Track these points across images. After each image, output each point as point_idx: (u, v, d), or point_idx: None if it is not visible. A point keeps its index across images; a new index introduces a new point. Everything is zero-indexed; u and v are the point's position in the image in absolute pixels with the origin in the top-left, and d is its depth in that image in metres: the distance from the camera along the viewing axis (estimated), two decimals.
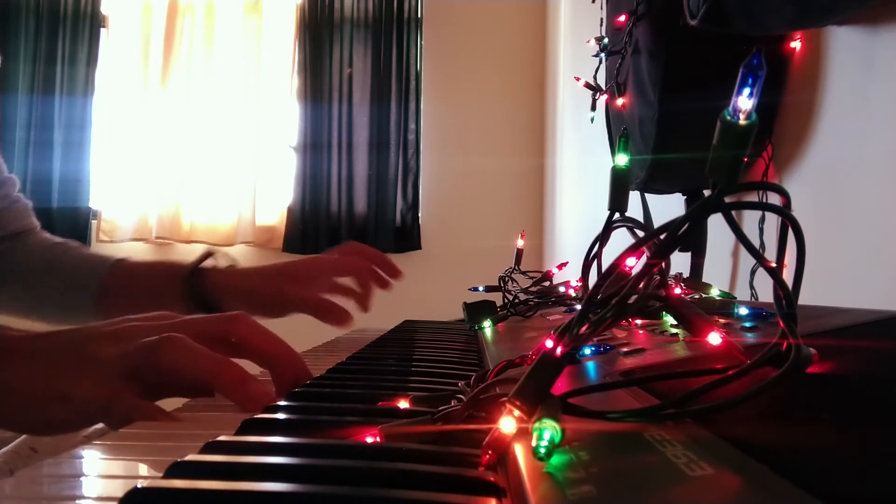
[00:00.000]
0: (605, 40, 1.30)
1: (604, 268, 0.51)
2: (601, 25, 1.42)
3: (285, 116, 3.42)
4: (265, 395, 0.45)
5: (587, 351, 0.44)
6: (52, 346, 0.47)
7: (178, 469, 0.28)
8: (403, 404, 0.39)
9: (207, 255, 0.87)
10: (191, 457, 0.29)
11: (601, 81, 1.37)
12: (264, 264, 0.91)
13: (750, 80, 0.28)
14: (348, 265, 0.90)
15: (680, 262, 1.05)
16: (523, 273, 1.00)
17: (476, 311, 0.87)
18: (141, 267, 0.92)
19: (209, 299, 0.83)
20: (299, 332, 0.97)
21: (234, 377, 0.44)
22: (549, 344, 0.29)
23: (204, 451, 0.31)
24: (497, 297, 0.93)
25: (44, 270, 0.90)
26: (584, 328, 0.30)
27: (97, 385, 0.44)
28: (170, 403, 0.46)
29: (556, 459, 0.25)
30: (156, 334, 0.46)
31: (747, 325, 0.44)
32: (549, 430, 0.25)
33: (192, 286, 0.82)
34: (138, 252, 3.37)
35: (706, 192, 0.31)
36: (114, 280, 0.88)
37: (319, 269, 0.89)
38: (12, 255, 0.91)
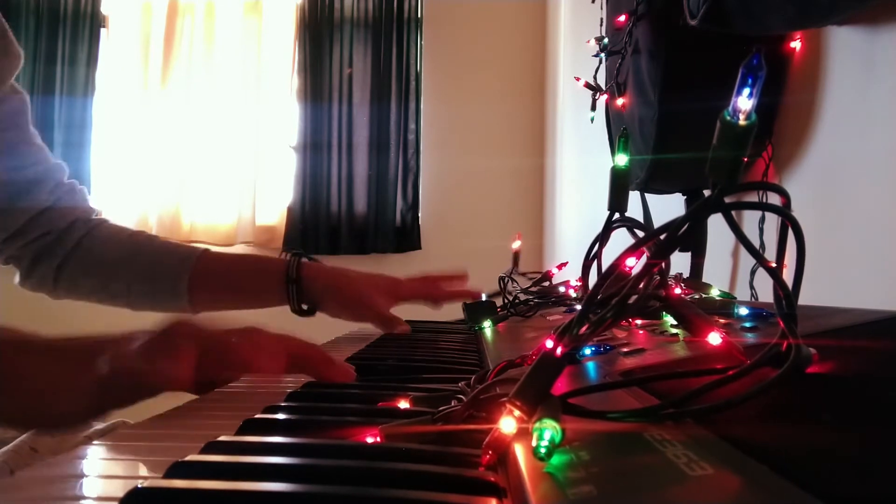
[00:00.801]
0: (605, 40, 1.30)
1: (604, 268, 0.51)
2: (601, 25, 1.42)
3: (285, 116, 3.42)
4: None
5: (587, 351, 0.44)
6: (67, 345, 0.48)
7: (179, 469, 0.28)
8: (403, 404, 0.39)
9: (299, 252, 0.92)
10: (191, 457, 0.29)
11: (601, 81, 1.37)
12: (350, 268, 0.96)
13: (750, 81, 0.28)
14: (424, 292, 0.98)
15: (680, 262, 1.05)
16: (522, 275, 1.00)
17: (476, 311, 0.87)
18: (231, 257, 0.96)
19: (309, 295, 0.88)
20: (299, 333, 0.97)
21: (252, 353, 0.47)
22: (549, 344, 0.29)
23: (204, 451, 0.31)
24: (497, 298, 0.93)
25: (130, 257, 0.92)
26: (584, 328, 0.30)
27: (105, 364, 0.45)
28: (170, 403, 0.46)
29: (556, 459, 0.25)
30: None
31: (747, 325, 0.44)
32: (549, 430, 0.25)
33: (296, 282, 0.87)
34: None
35: (706, 192, 0.31)
36: (207, 267, 0.90)
37: (401, 292, 0.97)
38: (93, 242, 0.93)
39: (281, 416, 0.40)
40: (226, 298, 0.92)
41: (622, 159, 0.54)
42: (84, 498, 0.29)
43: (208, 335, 0.48)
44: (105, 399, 0.45)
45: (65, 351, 0.47)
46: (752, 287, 1.01)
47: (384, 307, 0.91)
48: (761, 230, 0.96)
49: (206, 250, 0.93)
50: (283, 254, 0.91)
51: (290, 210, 3.37)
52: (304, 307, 0.89)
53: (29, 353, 0.47)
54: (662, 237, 0.30)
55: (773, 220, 0.96)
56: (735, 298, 0.69)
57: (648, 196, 1.26)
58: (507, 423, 0.28)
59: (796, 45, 0.95)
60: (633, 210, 0.60)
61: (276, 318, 0.83)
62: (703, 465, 0.22)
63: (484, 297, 0.98)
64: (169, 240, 0.97)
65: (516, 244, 1.04)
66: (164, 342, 0.47)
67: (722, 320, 0.45)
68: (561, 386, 0.29)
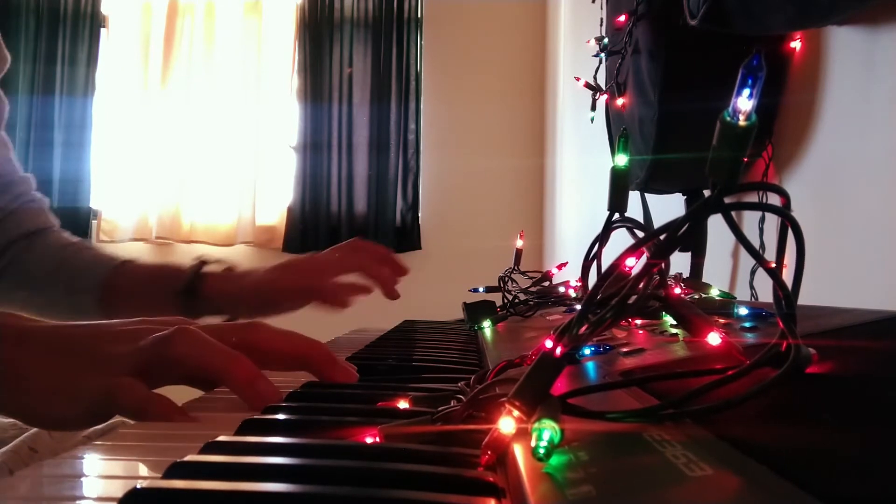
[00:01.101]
0: (605, 40, 1.30)
1: (603, 268, 0.51)
2: (601, 25, 1.42)
3: (285, 116, 3.42)
4: (273, 393, 0.45)
5: (587, 351, 0.44)
6: (68, 339, 0.47)
7: (178, 469, 0.28)
8: (403, 404, 0.39)
9: (202, 263, 0.87)
10: (190, 457, 0.29)
11: (601, 81, 1.37)
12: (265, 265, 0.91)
13: (750, 81, 0.28)
14: (353, 262, 0.90)
15: (680, 262, 1.05)
16: (523, 273, 1.00)
17: (476, 311, 0.87)
18: (144, 270, 0.92)
19: (209, 307, 0.85)
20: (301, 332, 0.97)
21: (244, 372, 0.44)
22: (549, 344, 0.29)
23: (204, 451, 0.31)
24: (497, 298, 0.93)
25: (54, 271, 0.91)
26: (583, 328, 0.30)
27: (103, 378, 0.44)
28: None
29: (555, 460, 0.25)
30: (166, 330, 0.46)
31: (747, 325, 0.44)
32: (548, 430, 0.25)
33: (191, 296, 0.84)
34: (138, 252, 3.37)
35: (706, 192, 0.31)
36: (116, 282, 0.89)
37: (324, 264, 0.89)
38: (28, 255, 0.92)
39: (281, 416, 0.40)
40: (131, 311, 0.89)
41: (622, 159, 0.54)
42: (83, 498, 0.29)
43: (207, 342, 0.47)
44: (103, 410, 0.44)
45: (65, 346, 0.46)
46: (752, 287, 1.01)
47: (310, 282, 0.86)
48: (761, 230, 0.96)
49: (127, 261, 0.92)
50: (277, 250, 0.89)
51: (290, 210, 3.37)
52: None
53: (30, 347, 0.46)
54: (662, 237, 0.30)
55: (773, 221, 0.96)
56: (735, 298, 0.69)
57: (648, 196, 1.26)
58: (507, 424, 0.28)
59: (796, 45, 0.95)
60: (633, 210, 0.60)
61: (285, 323, 0.82)
62: (703, 465, 0.22)
63: (480, 289, 0.97)
64: (101, 252, 0.95)
65: (519, 242, 1.04)
66: (162, 362, 0.45)
67: (722, 320, 0.45)
68: (560, 386, 0.29)
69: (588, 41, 1.42)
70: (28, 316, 0.50)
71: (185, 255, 3.38)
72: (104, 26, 3.42)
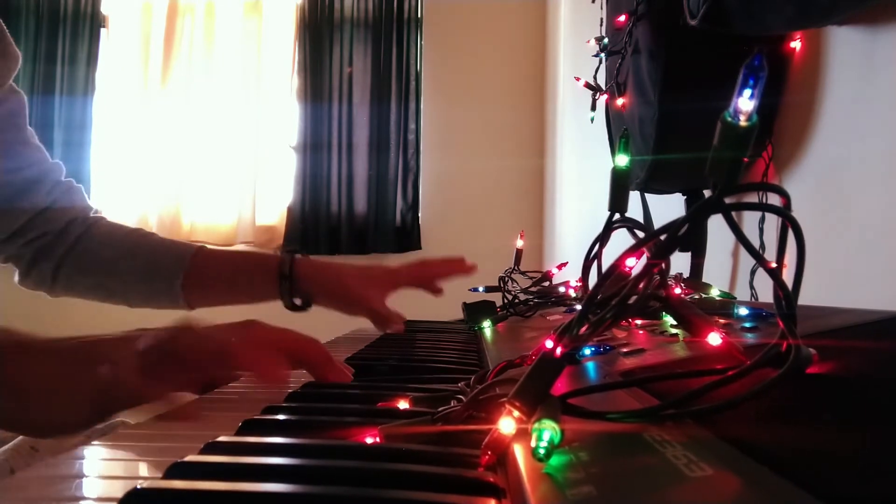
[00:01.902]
0: (605, 40, 1.30)
1: (604, 268, 0.51)
2: (601, 25, 1.42)
3: (285, 116, 3.42)
4: (285, 377, 0.46)
5: (587, 351, 0.44)
6: (63, 348, 0.47)
7: (178, 469, 0.28)
8: (403, 404, 0.39)
9: (294, 249, 0.92)
10: (190, 457, 0.29)
11: (601, 81, 1.37)
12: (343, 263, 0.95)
13: (751, 82, 0.28)
14: (420, 276, 0.94)
15: (680, 262, 1.05)
16: (523, 273, 1.00)
17: (476, 311, 0.87)
18: (227, 255, 0.96)
19: (302, 290, 0.88)
20: (300, 330, 0.97)
21: (252, 355, 0.46)
22: (549, 344, 0.29)
23: (204, 451, 0.31)
24: (497, 298, 0.93)
25: (127, 256, 0.92)
26: (583, 328, 0.30)
27: (107, 371, 0.44)
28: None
29: (555, 460, 0.25)
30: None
31: (747, 325, 0.44)
32: (548, 430, 0.25)
33: (290, 278, 0.87)
34: None
35: (706, 193, 0.31)
36: (201, 266, 0.91)
37: (397, 276, 0.94)
38: (91, 241, 0.93)
39: (280, 416, 0.40)
40: (220, 295, 0.92)
41: (622, 160, 0.54)
42: (84, 498, 0.29)
43: (208, 338, 0.47)
44: (105, 406, 0.45)
45: (65, 354, 0.47)
46: (752, 287, 1.01)
47: (376, 300, 0.90)
48: (761, 230, 0.96)
49: (202, 247, 0.94)
50: (276, 250, 0.91)
51: (290, 210, 3.37)
52: (298, 303, 0.90)
53: (29, 356, 0.46)
54: (662, 238, 0.30)
55: (773, 221, 0.96)
56: (735, 298, 0.69)
57: (648, 196, 1.26)
58: (507, 424, 0.28)
59: (796, 45, 0.95)
60: (634, 210, 0.60)
61: (273, 313, 0.83)
62: (703, 465, 0.22)
63: (480, 289, 0.98)
64: (165, 238, 0.97)
65: (519, 242, 1.04)
66: (167, 356, 0.46)
67: (722, 320, 0.45)
68: (560, 386, 0.29)
69: (588, 41, 1.42)
70: (21, 325, 0.51)
71: None
72: (104, 26, 3.42)
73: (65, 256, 0.91)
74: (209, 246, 0.95)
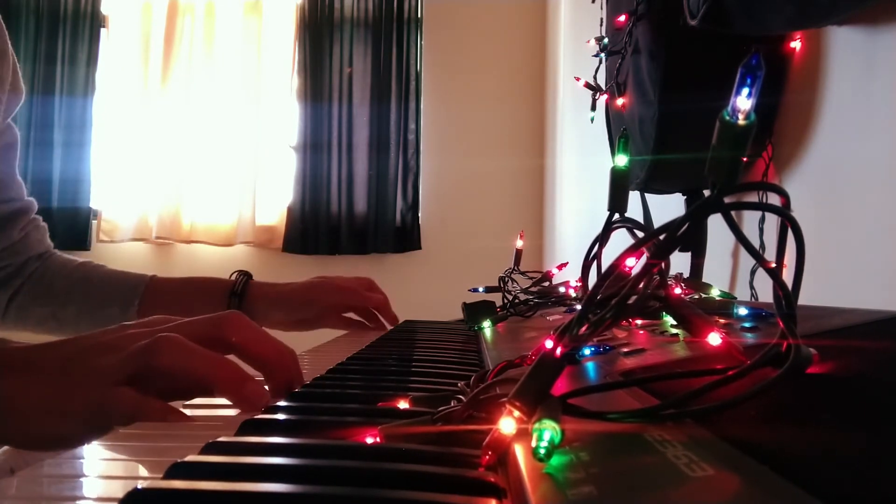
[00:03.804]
0: (605, 40, 1.30)
1: (603, 268, 0.51)
2: (601, 25, 1.42)
3: (285, 116, 3.42)
4: (262, 395, 0.44)
5: (587, 351, 0.44)
6: (48, 358, 0.46)
7: (178, 470, 0.28)
8: (403, 404, 0.39)
9: (244, 273, 0.96)
10: (191, 457, 0.29)
11: (601, 81, 1.37)
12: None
13: (749, 81, 0.28)
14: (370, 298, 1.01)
15: (680, 262, 1.05)
16: (523, 273, 1.00)
17: (476, 311, 0.87)
18: (178, 281, 0.98)
19: (252, 311, 0.91)
20: (301, 333, 0.98)
21: (231, 377, 0.44)
22: (549, 344, 0.29)
23: (204, 451, 0.31)
24: (497, 298, 0.93)
25: (81, 283, 0.95)
26: (583, 328, 0.30)
27: (93, 391, 0.43)
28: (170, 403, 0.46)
29: (556, 460, 0.25)
30: (147, 339, 0.45)
31: (747, 325, 0.44)
32: (548, 430, 0.25)
33: (239, 294, 0.91)
34: (138, 252, 3.37)
35: (706, 192, 0.31)
36: (156, 290, 0.94)
37: (353, 286, 1.00)
38: (43, 275, 0.96)
39: (281, 416, 0.40)
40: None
41: (622, 160, 0.54)
42: (84, 498, 0.29)
43: (192, 343, 0.46)
44: (101, 419, 0.44)
45: (54, 363, 0.45)
46: (752, 287, 1.01)
47: (331, 299, 0.95)
48: (761, 230, 0.96)
49: (154, 276, 0.97)
50: (232, 275, 0.95)
51: (290, 210, 3.37)
52: None
53: (16, 371, 0.45)
54: (662, 237, 0.30)
55: (773, 221, 0.96)
56: (735, 298, 0.69)
57: (648, 196, 1.26)
58: (507, 424, 0.28)
59: (796, 45, 0.95)
60: (633, 210, 0.60)
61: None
62: (704, 465, 0.22)
63: (480, 289, 1.00)
64: (115, 269, 1.00)
65: (519, 242, 1.04)
66: (152, 366, 0.45)
67: (722, 320, 0.45)
68: (561, 386, 0.29)
69: (588, 41, 1.42)
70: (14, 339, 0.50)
71: (185, 256, 3.38)
72: (104, 26, 3.42)
73: (21, 286, 0.95)
74: (161, 276, 0.98)
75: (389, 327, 1.01)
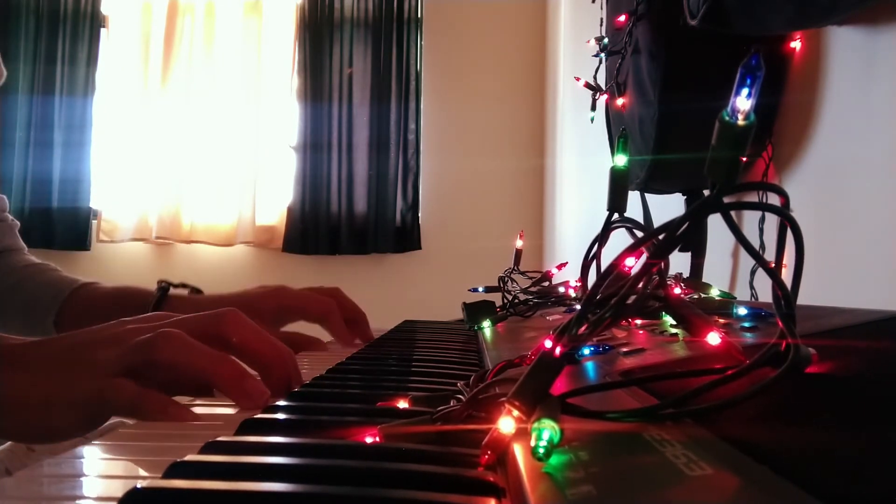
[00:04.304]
0: (605, 40, 1.30)
1: (603, 268, 0.51)
2: (601, 25, 1.42)
3: (285, 116, 3.42)
4: (262, 393, 0.44)
5: (586, 351, 0.44)
6: (48, 352, 0.46)
7: (178, 469, 0.28)
8: (403, 404, 0.39)
9: (169, 286, 0.86)
10: (190, 457, 0.29)
11: (601, 81, 1.37)
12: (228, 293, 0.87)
13: (748, 81, 0.28)
14: (319, 306, 0.83)
15: (680, 262, 1.05)
16: (523, 273, 1.00)
17: (475, 311, 0.87)
18: (106, 292, 0.91)
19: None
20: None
21: (231, 373, 0.44)
22: (548, 344, 0.29)
23: (204, 451, 0.31)
24: (497, 298, 0.93)
25: (10, 291, 0.90)
26: (582, 328, 0.30)
27: (92, 382, 0.43)
28: None
29: (555, 459, 0.25)
30: (147, 333, 0.45)
31: (746, 325, 0.44)
32: (548, 430, 0.25)
33: (157, 307, 0.81)
34: (138, 252, 3.37)
35: (706, 192, 0.31)
36: (76, 302, 0.88)
37: (310, 299, 0.84)
38: None
39: (280, 415, 0.40)
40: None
41: (621, 159, 0.54)
42: (83, 498, 0.29)
43: (192, 339, 0.46)
44: (100, 409, 0.44)
45: (54, 355, 0.46)
46: (752, 287, 1.01)
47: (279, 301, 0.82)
48: (761, 230, 0.96)
49: (87, 284, 0.90)
50: (158, 284, 0.87)
51: (290, 210, 3.37)
52: None
53: (15, 364, 0.45)
54: (661, 237, 0.30)
55: (773, 221, 0.96)
56: (735, 298, 0.69)
57: (648, 196, 1.26)
58: (506, 423, 0.28)
59: (796, 45, 0.95)
60: (633, 210, 0.60)
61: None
62: (703, 465, 0.22)
63: (480, 289, 0.96)
64: (62, 274, 0.94)
65: (519, 242, 1.04)
66: (152, 360, 0.44)
67: (721, 320, 0.45)
68: (560, 386, 0.29)
69: (588, 41, 1.42)
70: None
71: (185, 256, 3.38)
72: (104, 26, 3.42)
73: None
74: (100, 284, 0.91)
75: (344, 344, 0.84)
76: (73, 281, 0.91)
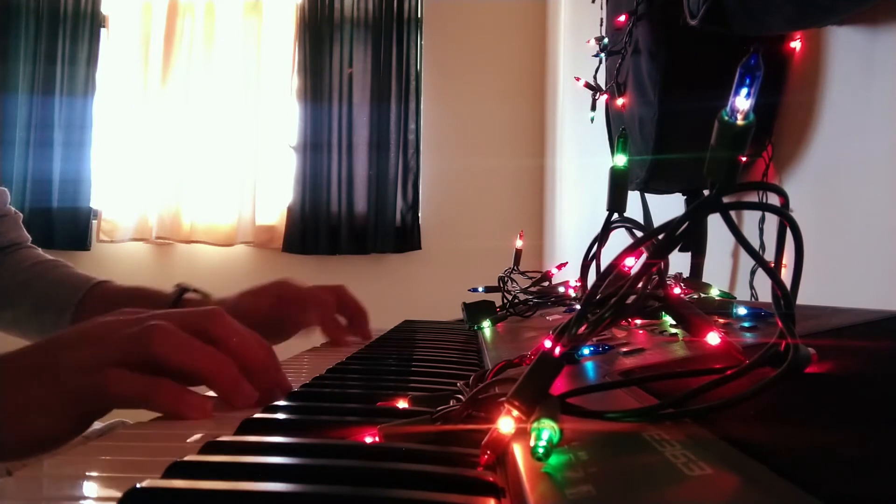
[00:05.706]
0: (605, 40, 1.30)
1: (603, 268, 0.51)
2: (601, 25, 1.42)
3: (285, 116, 3.42)
4: (253, 396, 0.44)
5: (586, 351, 0.44)
6: (26, 360, 0.45)
7: (178, 469, 0.28)
8: (402, 404, 0.40)
9: (186, 288, 0.86)
10: (190, 457, 0.29)
11: (601, 81, 1.37)
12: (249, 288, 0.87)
13: (747, 81, 0.28)
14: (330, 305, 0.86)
15: (680, 262, 1.05)
16: (522, 273, 1.00)
17: (475, 311, 0.87)
18: (121, 291, 0.91)
19: None
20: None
21: (229, 373, 0.44)
22: (548, 344, 0.29)
23: (203, 451, 0.31)
24: (497, 298, 0.93)
25: (23, 288, 0.90)
26: (582, 328, 0.30)
27: (84, 379, 0.42)
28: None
29: (554, 459, 0.25)
30: (137, 327, 0.44)
31: (746, 325, 0.44)
32: (547, 429, 0.25)
33: (176, 305, 0.82)
34: (138, 252, 3.37)
35: (706, 192, 0.31)
36: (92, 301, 0.88)
37: (307, 295, 0.85)
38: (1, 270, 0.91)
39: (280, 415, 0.40)
40: None
41: (621, 159, 0.54)
42: (83, 497, 0.29)
43: (186, 334, 0.45)
44: (97, 403, 0.43)
45: (45, 357, 0.44)
46: (751, 287, 1.01)
47: (305, 315, 0.82)
48: (761, 230, 0.96)
49: (103, 282, 0.91)
50: (176, 287, 0.86)
51: (290, 210, 3.37)
52: None
53: (9, 374, 0.43)
54: (661, 237, 0.30)
55: (773, 221, 0.96)
56: (735, 298, 0.69)
57: (648, 196, 1.26)
58: (506, 423, 0.28)
59: (796, 45, 0.95)
60: (633, 210, 0.60)
61: None
62: (702, 464, 0.22)
63: (480, 289, 0.96)
64: (75, 271, 0.94)
65: (519, 242, 1.04)
66: (148, 353, 0.43)
67: (721, 320, 0.45)
68: (559, 386, 0.29)
69: (588, 41, 1.42)
70: None
71: (185, 256, 3.38)
72: (104, 26, 3.42)
73: None
74: (114, 282, 0.92)
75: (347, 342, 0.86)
76: (88, 279, 0.91)
